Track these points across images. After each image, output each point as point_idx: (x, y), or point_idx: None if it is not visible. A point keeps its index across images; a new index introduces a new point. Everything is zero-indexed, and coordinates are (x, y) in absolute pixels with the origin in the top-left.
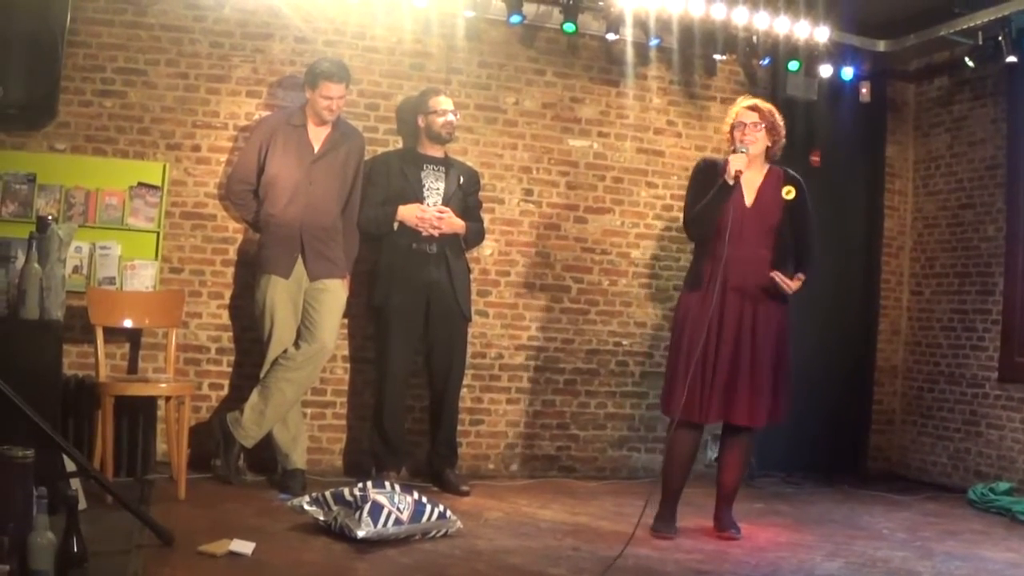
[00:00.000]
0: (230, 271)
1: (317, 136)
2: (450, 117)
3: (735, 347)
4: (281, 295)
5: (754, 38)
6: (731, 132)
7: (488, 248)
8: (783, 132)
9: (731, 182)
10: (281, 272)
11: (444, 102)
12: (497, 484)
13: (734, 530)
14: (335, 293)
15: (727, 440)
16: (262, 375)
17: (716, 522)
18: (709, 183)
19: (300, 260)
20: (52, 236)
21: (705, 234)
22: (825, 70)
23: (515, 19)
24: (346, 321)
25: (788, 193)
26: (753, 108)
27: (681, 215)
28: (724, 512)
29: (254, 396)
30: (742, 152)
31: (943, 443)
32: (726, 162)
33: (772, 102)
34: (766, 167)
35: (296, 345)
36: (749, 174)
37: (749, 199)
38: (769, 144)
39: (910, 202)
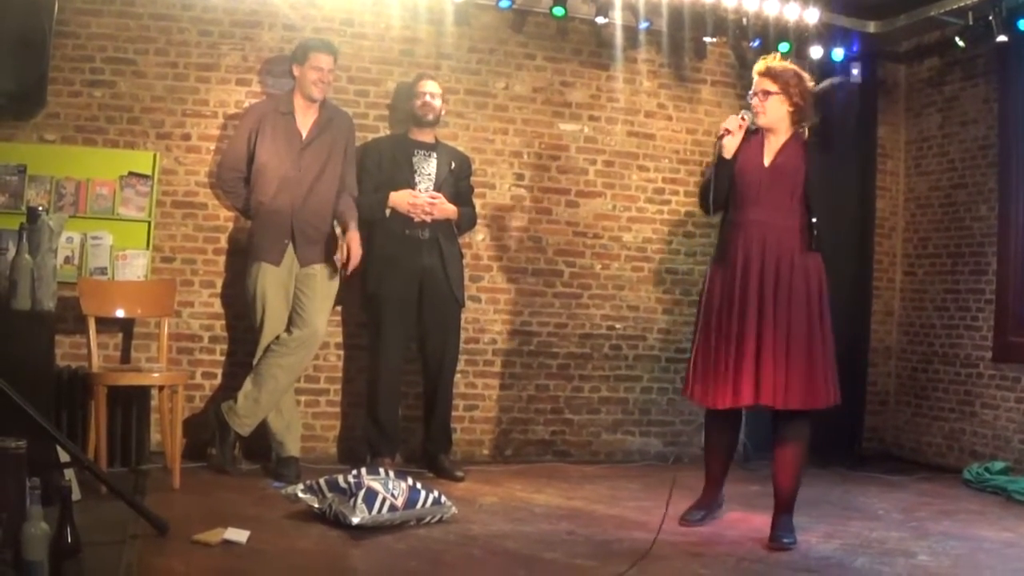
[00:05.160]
0: (221, 259)
1: (305, 122)
2: (428, 99)
3: (758, 323)
4: (272, 282)
5: (744, 20)
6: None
7: (480, 233)
8: (806, 95)
9: (720, 141)
10: (272, 259)
11: (427, 85)
12: (491, 469)
13: (787, 539)
14: (325, 278)
15: (776, 433)
16: (255, 362)
17: (771, 530)
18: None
19: (290, 247)
20: (43, 227)
21: (713, 206)
22: (815, 51)
23: (504, 3)
24: (339, 308)
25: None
26: (766, 73)
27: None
28: (779, 519)
29: (247, 384)
30: (740, 116)
31: (938, 423)
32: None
33: None
34: (791, 130)
35: (288, 331)
36: (773, 137)
37: (768, 159)
38: (790, 109)
39: (902, 183)
